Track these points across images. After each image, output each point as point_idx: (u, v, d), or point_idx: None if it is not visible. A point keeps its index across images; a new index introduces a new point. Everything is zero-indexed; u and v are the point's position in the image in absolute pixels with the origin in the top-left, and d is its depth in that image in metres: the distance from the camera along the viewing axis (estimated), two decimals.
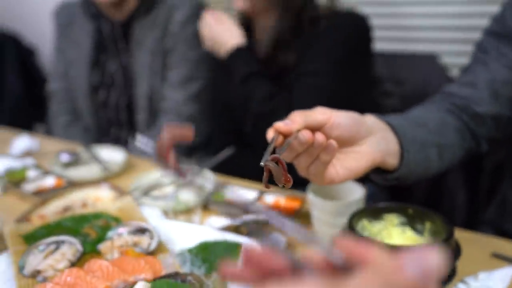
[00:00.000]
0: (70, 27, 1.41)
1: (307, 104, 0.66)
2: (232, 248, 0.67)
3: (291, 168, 0.53)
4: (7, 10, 2.31)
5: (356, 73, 1.03)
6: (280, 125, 0.50)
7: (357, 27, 1.03)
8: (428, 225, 0.64)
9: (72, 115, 1.43)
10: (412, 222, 0.65)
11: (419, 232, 0.64)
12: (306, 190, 0.75)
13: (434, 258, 0.24)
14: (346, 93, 1.01)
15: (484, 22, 0.86)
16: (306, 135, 0.50)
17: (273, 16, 1.04)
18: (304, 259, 0.28)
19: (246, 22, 1.13)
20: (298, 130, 0.50)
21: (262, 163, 0.47)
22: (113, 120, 1.36)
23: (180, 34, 1.30)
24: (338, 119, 0.55)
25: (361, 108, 0.70)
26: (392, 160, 0.62)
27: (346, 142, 0.56)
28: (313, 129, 0.52)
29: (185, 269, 0.63)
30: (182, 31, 1.31)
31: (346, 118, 0.56)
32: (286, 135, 0.51)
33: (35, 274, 0.64)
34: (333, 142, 0.52)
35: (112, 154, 1.08)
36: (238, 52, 1.01)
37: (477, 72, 0.84)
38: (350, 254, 0.27)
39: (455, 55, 1.33)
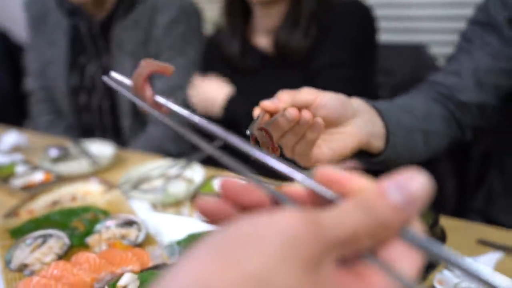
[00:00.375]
0: (43, 21, 1.32)
1: None
2: None
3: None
4: None
5: (371, 62, 1.04)
6: (267, 103, 0.51)
7: (368, 17, 1.04)
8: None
9: (54, 115, 1.37)
10: None
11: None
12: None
13: (419, 184, 0.23)
14: (366, 83, 1.01)
15: (470, 12, 0.86)
16: (292, 112, 0.50)
17: (286, 3, 1.03)
18: (285, 192, 0.27)
19: (242, 15, 1.10)
20: (285, 109, 0.51)
21: (248, 132, 0.47)
22: (97, 124, 1.29)
23: (165, 39, 1.22)
24: (325, 99, 0.55)
25: (371, 97, 0.71)
26: (377, 142, 0.62)
27: (332, 123, 0.56)
28: (300, 108, 0.52)
29: (173, 261, 0.62)
30: (167, 36, 1.22)
31: (333, 98, 0.56)
32: (272, 113, 0.51)
33: (22, 268, 0.64)
34: (319, 120, 0.53)
35: (101, 148, 1.07)
36: (232, 101, 1.01)
37: (461, 61, 0.84)
38: (331, 185, 0.26)
39: (443, 45, 1.33)
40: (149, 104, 0.40)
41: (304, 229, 0.21)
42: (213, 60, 1.17)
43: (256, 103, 0.55)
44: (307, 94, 0.53)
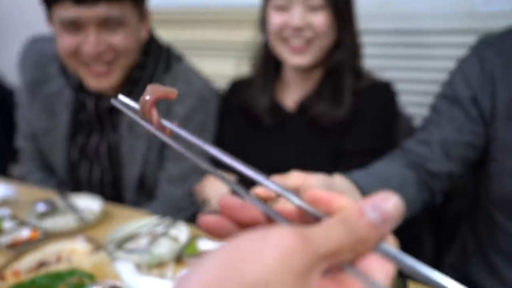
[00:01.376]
0: (41, 87, 1.24)
1: None
2: None
3: None
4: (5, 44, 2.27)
5: (395, 136, 1.08)
6: (260, 190, 0.53)
7: (394, 100, 1.09)
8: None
9: (46, 171, 1.31)
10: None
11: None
12: None
13: (392, 204, 0.25)
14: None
15: (444, 76, 0.94)
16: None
17: (321, 72, 1.09)
18: (278, 210, 0.29)
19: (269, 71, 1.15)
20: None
21: None
22: (97, 193, 1.19)
23: (182, 128, 1.15)
24: (311, 181, 0.57)
25: None
26: None
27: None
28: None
29: None
30: (184, 125, 1.08)
31: (318, 180, 0.59)
32: (266, 199, 0.54)
33: None
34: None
35: (88, 203, 1.06)
36: None
37: (431, 132, 0.89)
38: (318, 204, 0.28)
39: (418, 106, 1.41)
40: (156, 127, 0.42)
41: (297, 243, 0.23)
42: (231, 111, 1.18)
43: None
44: (296, 177, 0.56)
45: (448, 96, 0.91)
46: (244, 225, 0.30)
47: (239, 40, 1.42)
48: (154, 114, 0.42)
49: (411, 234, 1.14)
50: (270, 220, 0.29)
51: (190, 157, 0.35)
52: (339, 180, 0.64)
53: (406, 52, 1.53)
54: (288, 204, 0.30)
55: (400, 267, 0.26)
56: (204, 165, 0.33)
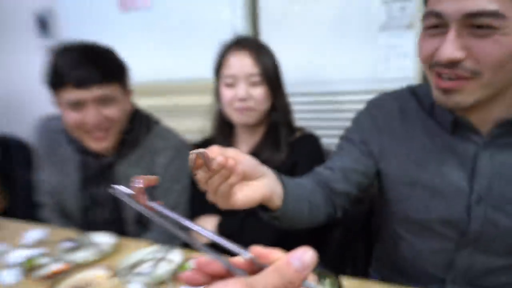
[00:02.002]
0: (54, 153, 1.37)
1: None
2: None
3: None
4: (20, 120, 2.46)
5: None
6: (201, 151, 0.58)
7: (318, 144, 1.28)
8: (327, 279, 0.80)
9: (65, 218, 1.41)
10: (319, 278, 0.78)
11: (322, 284, 0.78)
12: None
13: (309, 256, 0.29)
14: None
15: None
16: (222, 158, 0.58)
17: (264, 128, 1.29)
18: (233, 263, 0.32)
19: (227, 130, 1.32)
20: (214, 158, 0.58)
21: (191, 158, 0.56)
22: (105, 230, 1.29)
23: (164, 174, 1.31)
24: (243, 157, 0.62)
25: None
26: (276, 200, 0.71)
27: (246, 176, 0.63)
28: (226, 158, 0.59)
29: None
30: (166, 172, 1.32)
31: (248, 158, 0.64)
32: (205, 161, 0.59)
33: None
34: (239, 168, 0.60)
35: (102, 239, 1.17)
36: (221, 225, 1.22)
37: (335, 161, 0.97)
38: (261, 256, 0.32)
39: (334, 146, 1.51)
40: (146, 208, 0.45)
41: None
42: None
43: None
44: (231, 151, 0.61)
45: (347, 137, 1.00)
46: (213, 277, 0.33)
47: (202, 104, 1.56)
48: (143, 199, 0.47)
49: (348, 239, 1.28)
50: (229, 272, 0.33)
51: (168, 227, 0.39)
52: (264, 167, 0.68)
53: (324, 108, 1.74)
54: (240, 259, 0.33)
55: None
56: (179, 233, 0.35)
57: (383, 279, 0.94)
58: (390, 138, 0.93)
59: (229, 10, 1.82)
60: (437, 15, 0.71)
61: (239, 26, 1.80)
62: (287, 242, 0.82)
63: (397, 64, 1.53)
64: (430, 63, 0.75)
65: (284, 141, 1.25)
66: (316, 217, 0.87)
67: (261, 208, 0.72)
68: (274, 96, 1.25)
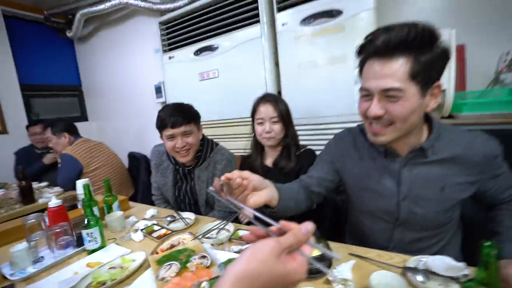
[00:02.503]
0: (161, 165, 1.40)
1: None
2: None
3: None
4: (144, 146, 2.74)
5: None
6: (228, 175, 0.58)
7: (314, 156, 1.22)
8: (321, 241, 0.76)
9: (166, 203, 1.45)
10: (316, 240, 0.76)
11: (318, 243, 0.72)
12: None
13: (310, 226, 0.28)
14: None
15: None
16: (239, 180, 0.58)
17: (281, 147, 1.26)
18: (271, 229, 0.32)
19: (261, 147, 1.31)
20: (235, 178, 0.58)
21: (211, 188, 0.53)
22: (188, 211, 1.31)
23: (221, 175, 1.20)
24: (254, 177, 0.62)
25: None
26: (274, 202, 0.71)
27: (255, 188, 0.63)
28: (242, 179, 0.60)
29: (222, 273, 0.60)
30: (222, 174, 1.03)
31: (257, 177, 0.63)
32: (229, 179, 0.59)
33: (162, 279, 0.70)
34: (250, 185, 0.60)
35: (188, 215, 1.17)
36: None
37: (313, 172, 0.94)
38: (285, 226, 0.30)
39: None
40: (224, 199, 0.45)
41: (275, 244, 0.29)
42: (242, 167, 1.36)
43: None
44: (246, 173, 0.60)
45: (321, 157, 0.96)
46: (258, 237, 0.35)
47: (244, 132, 1.71)
48: (221, 193, 0.47)
49: (335, 217, 1.22)
50: (268, 234, 0.34)
51: (233, 208, 0.39)
52: (268, 181, 0.68)
53: (318, 132, 1.68)
54: (273, 227, 0.34)
55: (315, 247, 0.32)
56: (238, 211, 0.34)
57: (353, 244, 0.90)
58: (348, 160, 0.91)
59: (263, 75, 1.87)
60: (366, 89, 0.73)
61: (269, 84, 1.86)
62: (299, 218, 0.81)
63: None
64: (365, 116, 0.76)
65: (293, 155, 1.25)
66: (299, 209, 0.86)
67: (265, 206, 0.72)
68: (287, 128, 1.26)
